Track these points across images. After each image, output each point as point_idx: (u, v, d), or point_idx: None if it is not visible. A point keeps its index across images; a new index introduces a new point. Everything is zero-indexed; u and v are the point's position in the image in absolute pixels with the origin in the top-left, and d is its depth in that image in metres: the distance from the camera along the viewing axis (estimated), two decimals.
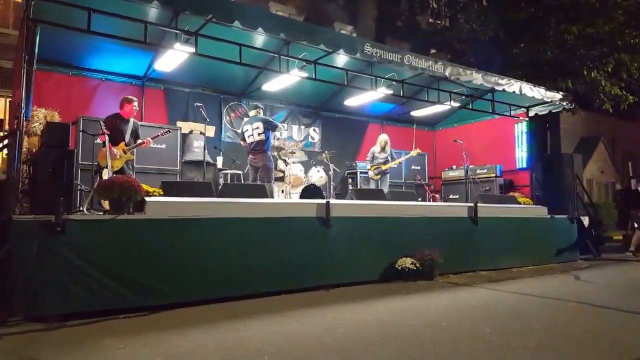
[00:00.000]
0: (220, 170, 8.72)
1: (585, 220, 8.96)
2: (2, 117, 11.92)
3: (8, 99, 11.65)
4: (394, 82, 8.29)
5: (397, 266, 5.84)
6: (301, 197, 7.87)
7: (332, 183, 9.20)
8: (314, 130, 10.84)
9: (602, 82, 14.20)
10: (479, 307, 4.62)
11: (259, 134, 7.67)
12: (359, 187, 9.84)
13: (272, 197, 6.67)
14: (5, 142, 6.14)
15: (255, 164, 7.77)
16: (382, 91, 8.42)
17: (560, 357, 3.09)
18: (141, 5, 5.58)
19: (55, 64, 7.61)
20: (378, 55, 6.78)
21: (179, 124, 8.65)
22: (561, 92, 9.77)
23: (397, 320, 3.99)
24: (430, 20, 21.20)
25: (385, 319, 4.07)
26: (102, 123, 6.01)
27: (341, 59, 7.63)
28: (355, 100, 9.81)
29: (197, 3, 5.34)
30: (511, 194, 9.31)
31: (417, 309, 4.51)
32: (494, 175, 10.41)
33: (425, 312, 4.35)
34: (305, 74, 7.32)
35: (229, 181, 8.46)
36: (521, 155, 10.62)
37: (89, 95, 8.07)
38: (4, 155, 9.48)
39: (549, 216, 8.05)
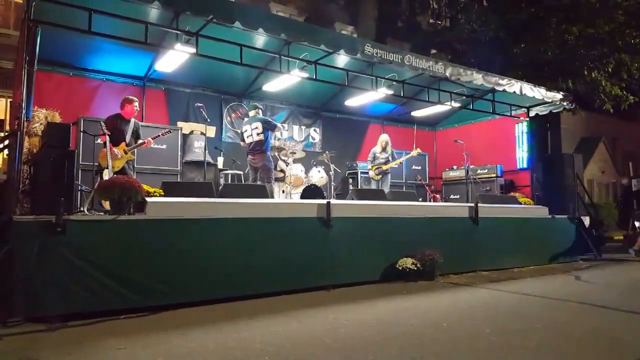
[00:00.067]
0: (220, 170, 8.73)
1: (586, 220, 8.95)
2: (2, 117, 11.94)
3: (9, 100, 11.67)
4: (394, 83, 8.29)
5: (397, 266, 5.84)
6: (302, 197, 7.87)
7: (332, 183, 9.20)
8: (315, 130, 10.84)
9: (603, 82, 14.20)
10: (480, 307, 4.62)
11: (257, 134, 7.67)
12: (359, 187, 9.84)
13: (272, 197, 6.67)
14: (6, 142, 6.14)
15: (254, 164, 7.77)
16: (383, 91, 8.43)
17: (561, 357, 3.09)
18: (142, 6, 5.59)
19: (56, 64, 7.62)
20: (379, 55, 6.78)
21: (180, 124, 8.66)
22: (562, 92, 9.76)
23: (397, 321, 3.99)
24: (431, 20, 21.21)
25: (386, 319, 4.07)
26: (102, 123, 6.02)
27: (342, 59, 7.63)
28: (356, 101, 9.82)
29: (198, 4, 5.34)
30: (512, 194, 9.31)
31: (418, 309, 4.51)
32: (494, 175, 10.41)
33: (426, 312, 4.35)
34: (305, 75, 7.33)
35: (229, 181, 8.46)
36: (522, 155, 10.62)
37: (89, 96, 8.08)
38: (5, 156, 9.50)
39: (549, 216, 8.04)
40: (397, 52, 7.09)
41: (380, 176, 9.26)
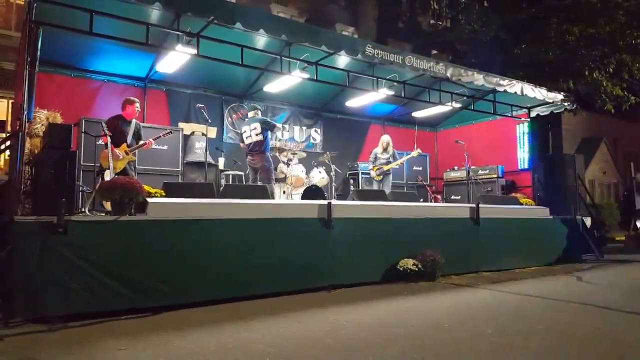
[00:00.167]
0: (221, 171, 8.73)
1: (588, 221, 8.94)
2: (4, 118, 11.94)
3: (10, 101, 11.69)
4: (395, 83, 8.29)
5: (398, 267, 5.83)
6: (303, 198, 7.87)
7: (333, 184, 9.20)
8: (316, 131, 10.84)
9: (604, 82, 14.19)
10: (481, 308, 4.61)
11: (256, 135, 7.68)
12: (360, 188, 9.84)
13: (272, 198, 6.67)
14: (8, 143, 6.15)
15: (253, 165, 7.78)
16: (384, 92, 8.43)
17: (563, 358, 3.08)
18: (143, 7, 5.60)
19: (57, 65, 7.63)
20: (379, 56, 6.78)
21: (181, 125, 8.67)
22: (562, 93, 9.76)
23: (399, 321, 3.99)
24: (432, 21, 21.21)
25: (387, 320, 4.07)
26: (104, 124, 6.03)
27: (342, 60, 7.63)
28: (357, 101, 9.82)
29: (199, 4, 5.34)
30: (513, 194, 9.30)
31: (419, 310, 4.51)
32: (495, 176, 10.39)
33: (427, 313, 4.34)
34: (306, 75, 7.33)
35: (230, 182, 8.47)
36: (523, 155, 10.61)
37: (91, 97, 8.09)
38: (6, 157, 9.51)
39: (551, 217, 8.03)
40: (397, 52, 7.09)
41: (381, 177, 9.26)
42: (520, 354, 3.11)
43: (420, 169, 11.06)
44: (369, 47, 6.70)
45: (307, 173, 9.02)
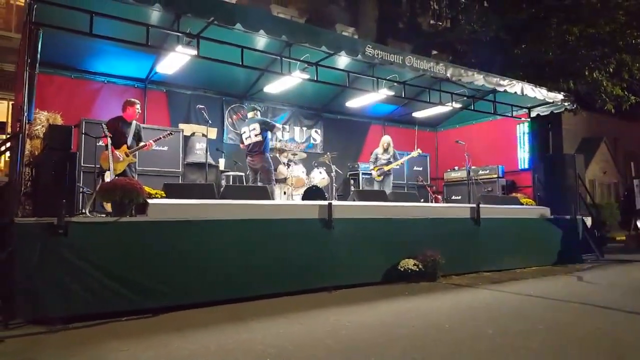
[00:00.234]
0: (222, 172, 8.73)
1: (588, 221, 8.94)
2: (4, 120, 11.95)
3: (10, 102, 11.69)
4: (395, 84, 8.30)
5: (399, 267, 5.83)
6: (303, 198, 7.85)
7: (334, 184, 9.20)
8: (316, 131, 10.85)
9: (604, 82, 14.19)
10: (482, 308, 4.61)
11: (255, 136, 7.68)
12: (361, 188, 9.84)
13: (273, 198, 6.67)
14: (8, 145, 6.15)
15: (253, 165, 7.78)
16: (384, 92, 8.43)
17: (563, 358, 3.08)
18: (143, 8, 5.61)
19: (57, 66, 7.64)
20: (379, 56, 6.78)
21: (181, 126, 8.67)
22: (563, 93, 9.77)
23: (400, 322, 3.98)
24: (432, 21, 21.22)
25: (388, 320, 4.07)
26: (104, 126, 6.02)
27: (343, 60, 7.64)
28: (357, 102, 9.82)
29: (199, 5, 5.34)
30: (513, 194, 9.30)
31: (420, 310, 4.50)
32: (496, 176, 10.39)
33: (428, 314, 4.34)
34: (307, 76, 7.33)
35: (231, 183, 8.47)
36: (523, 156, 10.62)
37: (91, 98, 8.10)
38: (7, 158, 9.52)
39: (551, 217, 8.03)
40: (398, 53, 7.10)
41: (382, 177, 9.25)
42: (520, 354, 3.11)
43: (421, 169, 11.06)
44: (369, 47, 6.71)
45: (308, 174, 9.02)
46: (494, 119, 10.61)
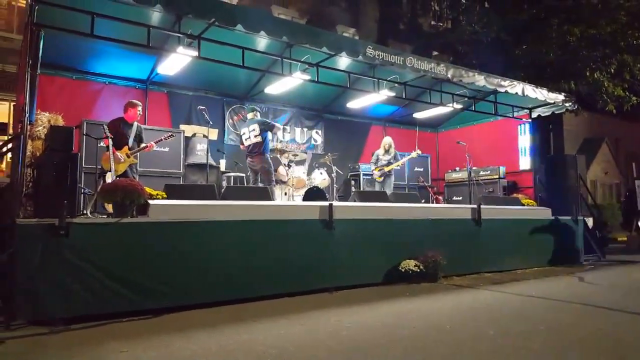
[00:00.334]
0: (223, 173, 8.74)
1: (590, 222, 8.94)
2: (6, 121, 11.97)
3: (12, 103, 11.71)
4: (396, 84, 8.30)
5: (400, 268, 5.83)
6: (304, 199, 7.87)
7: (335, 185, 9.20)
8: (317, 132, 10.85)
9: (605, 83, 14.18)
10: (483, 309, 4.61)
11: (255, 137, 7.69)
12: (362, 189, 9.84)
13: (273, 199, 6.67)
14: (9, 146, 6.16)
15: (253, 166, 7.79)
16: (385, 93, 8.44)
17: (564, 358, 3.08)
18: (144, 9, 5.62)
19: (58, 68, 7.66)
20: (380, 57, 6.78)
21: (182, 127, 8.68)
22: (564, 94, 9.76)
23: (401, 323, 3.98)
24: (432, 22, 21.21)
25: (389, 321, 4.07)
26: (105, 127, 6.04)
27: (343, 61, 7.65)
28: (358, 103, 9.83)
29: (200, 7, 5.35)
30: (514, 195, 9.29)
31: (421, 311, 4.50)
32: (497, 176, 10.37)
33: (429, 315, 4.34)
34: (307, 77, 7.34)
35: (232, 184, 8.47)
36: (524, 156, 10.59)
37: (92, 99, 8.11)
38: (8, 159, 9.53)
39: (552, 218, 8.01)
40: (398, 54, 7.10)
41: (383, 178, 9.25)
42: (521, 355, 3.10)
43: (422, 170, 11.07)
44: (369, 48, 6.71)
45: (309, 174, 9.02)
46: (495, 119, 10.61)
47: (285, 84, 8.29)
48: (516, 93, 8.43)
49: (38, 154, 6.03)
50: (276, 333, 3.65)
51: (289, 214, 5.38)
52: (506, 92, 8.41)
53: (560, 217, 8.09)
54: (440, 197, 11.09)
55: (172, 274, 4.42)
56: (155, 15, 6.06)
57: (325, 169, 9.15)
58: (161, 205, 4.72)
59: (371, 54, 6.68)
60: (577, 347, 3.30)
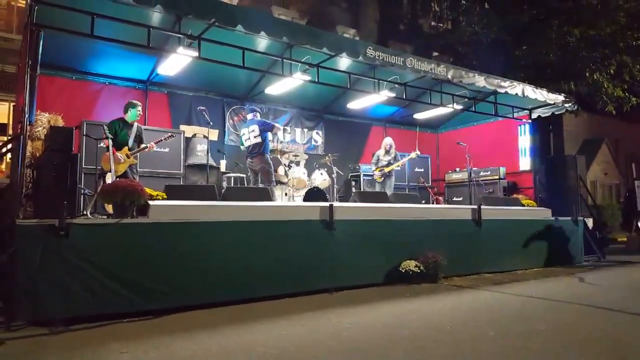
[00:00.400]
0: (223, 173, 8.74)
1: (590, 222, 8.93)
2: (5, 121, 11.97)
3: (12, 104, 11.71)
4: (396, 85, 8.30)
5: (400, 269, 5.82)
6: (305, 200, 7.86)
7: (335, 186, 9.21)
8: (317, 133, 10.86)
9: (605, 84, 14.21)
10: (483, 309, 4.60)
11: (255, 137, 7.70)
12: (362, 189, 9.84)
13: (273, 199, 6.67)
14: (9, 146, 6.16)
15: (253, 167, 7.79)
16: (385, 94, 8.44)
17: (564, 359, 3.07)
18: (144, 10, 5.62)
19: (58, 68, 7.66)
20: (380, 58, 6.79)
21: (182, 127, 8.68)
22: (564, 94, 9.77)
23: (401, 323, 3.98)
24: (433, 23, 21.23)
25: (389, 322, 4.06)
26: (105, 127, 6.03)
27: (344, 62, 7.65)
28: (358, 103, 9.83)
29: (200, 7, 5.35)
30: (515, 196, 9.29)
31: (422, 312, 4.50)
32: (497, 177, 10.38)
33: (429, 315, 4.34)
34: (308, 77, 7.34)
35: (232, 184, 8.47)
36: (524, 157, 10.60)
37: (92, 100, 8.11)
38: (8, 160, 9.53)
39: (552, 218, 8.02)
40: (399, 54, 7.10)
41: (383, 178, 9.25)
42: (522, 355, 3.10)
43: (422, 170, 11.07)
44: (370, 49, 6.71)
45: (309, 175, 9.02)
46: (495, 120, 10.62)
47: (286, 84, 8.29)
48: (516, 94, 8.44)
49: (38, 154, 6.03)
50: (277, 333, 3.64)
51: (289, 215, 5.38)
52: (506, 92, 8.42)
53: (560, 218, 8.09)
54: (441, 198, 11.10)
55: (173, 274, 4.42)
56: (156, 16, 6.06)
57: (325, 169, 9.15)
58: (161, 206, 4.72)
59: (371, 54, 6.68)
60: (577, 348, 3.30)
